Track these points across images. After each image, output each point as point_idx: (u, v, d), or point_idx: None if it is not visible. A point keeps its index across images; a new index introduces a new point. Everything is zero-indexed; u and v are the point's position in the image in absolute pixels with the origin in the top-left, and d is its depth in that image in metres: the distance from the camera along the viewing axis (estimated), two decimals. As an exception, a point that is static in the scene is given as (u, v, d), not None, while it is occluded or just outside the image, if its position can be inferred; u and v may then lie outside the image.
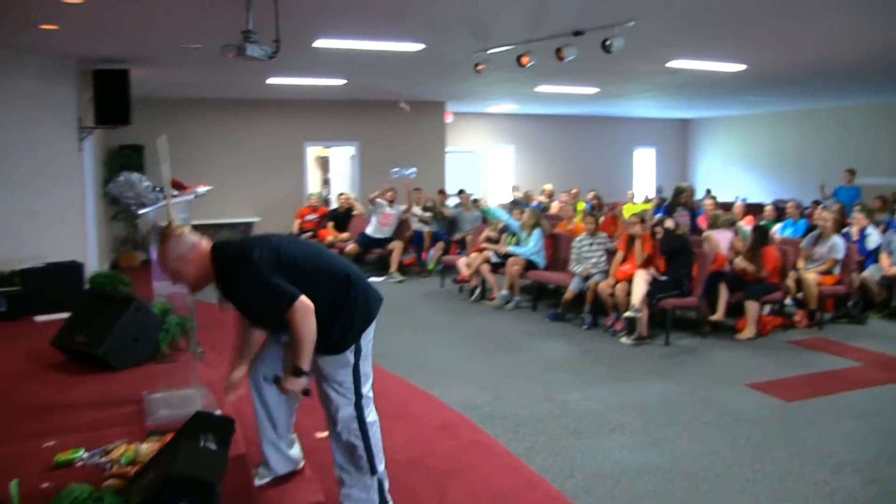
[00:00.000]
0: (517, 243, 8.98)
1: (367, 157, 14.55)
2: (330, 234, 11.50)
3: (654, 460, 4.22)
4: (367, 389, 3.17)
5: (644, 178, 19.80)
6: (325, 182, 16.20)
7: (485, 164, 17.88)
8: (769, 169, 17.37)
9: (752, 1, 5.96)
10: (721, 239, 7.52)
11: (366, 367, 3.16)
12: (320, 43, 7.50)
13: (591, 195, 13.71)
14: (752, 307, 7.03)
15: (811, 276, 7.32)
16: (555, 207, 12.33)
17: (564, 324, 7.83)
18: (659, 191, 15.29)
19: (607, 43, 6.63)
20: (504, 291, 8.71)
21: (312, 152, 14.96)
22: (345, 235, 11.45)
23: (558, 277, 8.36)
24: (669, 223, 7.64)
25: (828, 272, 7.47)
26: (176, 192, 4.08)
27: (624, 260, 7.52)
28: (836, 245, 7.50)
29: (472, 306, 8.89)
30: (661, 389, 5.55)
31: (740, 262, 7.21)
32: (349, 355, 3.08)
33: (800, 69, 9.76)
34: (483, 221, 11.57)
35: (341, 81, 11.22)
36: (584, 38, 6.96)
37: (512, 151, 18.22)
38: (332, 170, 15.87)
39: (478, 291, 9.20)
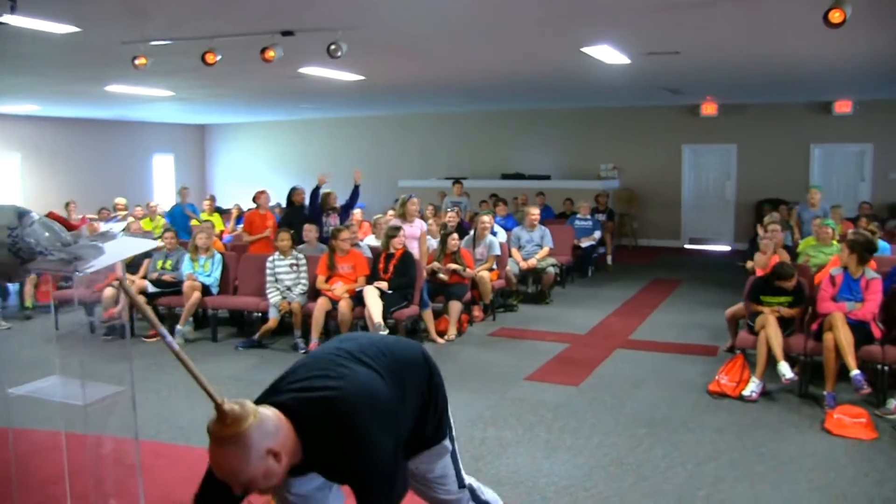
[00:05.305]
0: (173, 268, 7.85)
1: None
2: None
3: (574, 462, 4.44)
4: (463, 470, 2.80)
5: (163, 185, 18.76)
6: None
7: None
8: (301, 174, 18.13)
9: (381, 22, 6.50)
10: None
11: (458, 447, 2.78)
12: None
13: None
14: (455, 307, 7.59)
15: (484, 273, 8.18)
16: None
17: (268, 351, 7.23)
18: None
19: (332, 48, 6.49)
20: (182, 326, 7.50)
21: None
22: None
23: (249, 302, 7.63)
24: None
25: (490, 269, 8.44)
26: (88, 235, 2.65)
27: (329, 279, 7.30)
28: (493, 244, 8.55)
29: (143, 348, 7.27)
30: (469, 398, 5.64)
31: (451, 265, 7.66)
32: (447, 442, 2.68)
33: (407, 82, 10.90)
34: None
35: None
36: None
37: (18, 160, 15.33)
38: None
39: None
